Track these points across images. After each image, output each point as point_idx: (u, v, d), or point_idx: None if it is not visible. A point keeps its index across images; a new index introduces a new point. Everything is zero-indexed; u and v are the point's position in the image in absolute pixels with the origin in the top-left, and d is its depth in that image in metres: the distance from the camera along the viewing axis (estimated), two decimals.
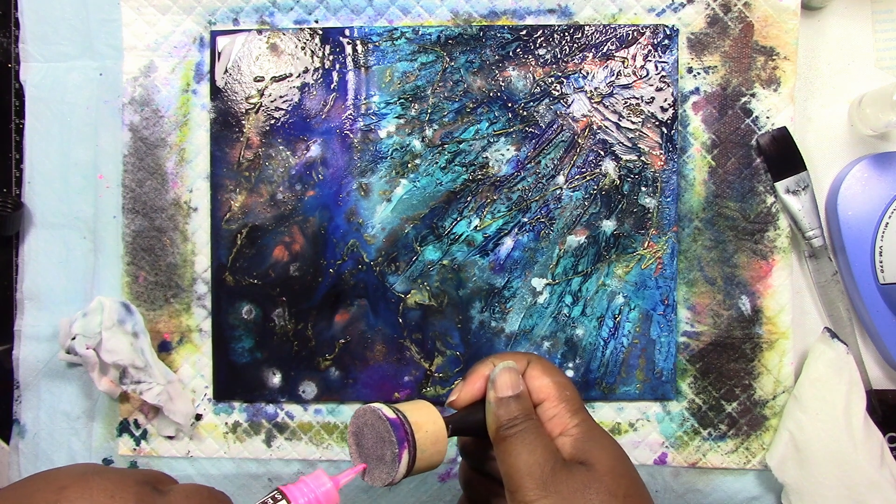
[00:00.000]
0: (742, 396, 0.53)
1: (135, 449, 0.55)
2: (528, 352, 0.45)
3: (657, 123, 0.52)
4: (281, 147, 0.54)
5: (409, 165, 0.53)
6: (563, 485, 0.32)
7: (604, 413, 0.53)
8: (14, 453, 0.56)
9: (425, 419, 0.34)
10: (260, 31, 0.54)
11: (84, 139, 0.55)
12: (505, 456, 0.34)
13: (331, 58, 0.53)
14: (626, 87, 0.53)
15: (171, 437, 0.55)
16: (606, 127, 0.53)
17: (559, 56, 0.53)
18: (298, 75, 0.54)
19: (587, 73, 0.53)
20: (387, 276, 0.53)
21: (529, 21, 0.53)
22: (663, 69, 0.52)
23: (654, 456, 0.53)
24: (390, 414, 0.34)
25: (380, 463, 0.34)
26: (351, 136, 0.53)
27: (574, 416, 0.35)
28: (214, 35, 0.54)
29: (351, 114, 0.53)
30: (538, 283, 0.53)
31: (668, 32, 0.52)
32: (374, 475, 0.34)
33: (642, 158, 0.53)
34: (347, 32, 0.53)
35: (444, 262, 0.53)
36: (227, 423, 0.55)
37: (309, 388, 0.54)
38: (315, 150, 0.53)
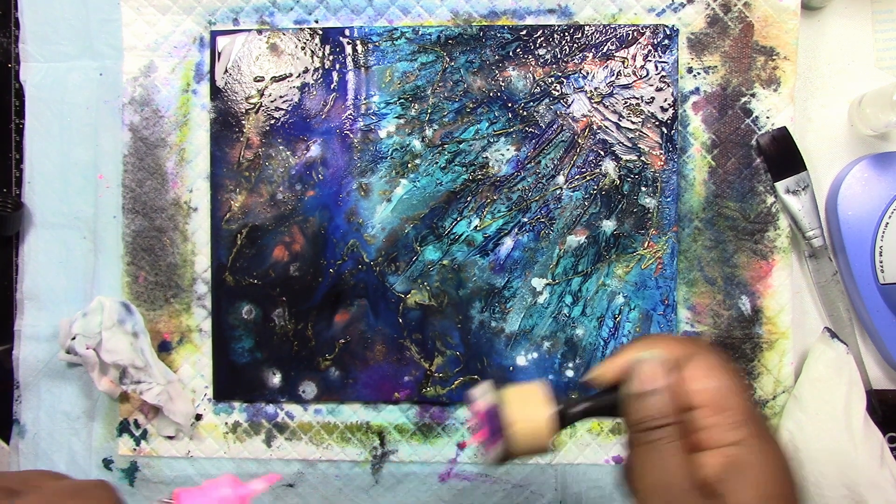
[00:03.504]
0: None
1: (135, 449, 0.55)
2: (698, 339, 0.39)
3: (657, 123, 0.52)
4: (281, 147, 0.54)
5: (409, 165, 0.53)
6: None
7: None
8: (14, 453, 0.56)
9: (525, 414, 0.33)
10: (260, 31, 0.54)
11: (84, 139, 0.55)
12: (633, 464, 0.32)
13: (331, 58, 0.53)
14: (626, 87, 0.53)
15: (171, 437, 0.55)
16: (606, 127, 0.53)
17: (559, 56, 0.53)
18: (298, 75, 0.54)
19: (587, 73, 0.53)
20: (387, 276, 0.53)
21: (529, 21, 0.53)
22: (663, 69, 0.52)
23: None
24: (487, 403, 0.33)
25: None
26: (351, 136, 0.53)
27: (734, 431, 0.30)
28: (214, 35, 0.54)
29: (351, 114, 0.53)
30: (538, 283, 0.53)
31: (668, 32, 0.52)
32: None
33: (642, 158, 0.53)
34: (347, 32, 0.53)
35: (444, 262, 0.53)
36: (227, 423, 0.55)
37: (309, 388, 0.54)
38: (315, 150, 0.53)
